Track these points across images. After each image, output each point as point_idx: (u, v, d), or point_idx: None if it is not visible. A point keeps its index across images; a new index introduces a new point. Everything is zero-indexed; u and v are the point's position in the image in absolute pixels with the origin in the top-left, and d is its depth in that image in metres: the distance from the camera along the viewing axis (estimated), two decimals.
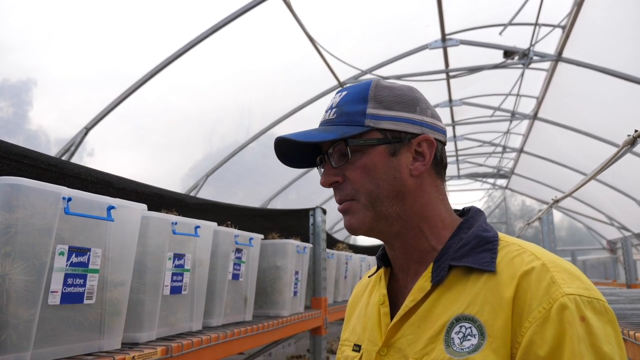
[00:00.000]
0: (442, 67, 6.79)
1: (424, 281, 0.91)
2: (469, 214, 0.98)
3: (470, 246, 0.90)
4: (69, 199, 1.13)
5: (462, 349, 0.81)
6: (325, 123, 0.97)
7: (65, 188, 1.13)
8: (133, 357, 1.27)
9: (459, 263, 0.89)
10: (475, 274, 0.87)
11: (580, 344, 0.74)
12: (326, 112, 0.97)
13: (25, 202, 1.05)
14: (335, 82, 6.44)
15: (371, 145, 0.92)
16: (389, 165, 0.92)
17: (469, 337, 0.82)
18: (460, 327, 0.83)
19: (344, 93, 0.97)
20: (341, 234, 11.14)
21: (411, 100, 0.96)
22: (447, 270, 0.89)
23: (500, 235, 0.93)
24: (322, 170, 1.00)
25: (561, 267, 0.83)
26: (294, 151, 1.01)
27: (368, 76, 6.60)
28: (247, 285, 2.11)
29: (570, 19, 5.23)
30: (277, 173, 8.72)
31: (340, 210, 0.96)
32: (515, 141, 10.51)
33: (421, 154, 0.94)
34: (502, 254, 0.88)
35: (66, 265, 1.14)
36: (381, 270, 1.05)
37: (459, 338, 0.82)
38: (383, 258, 1.05)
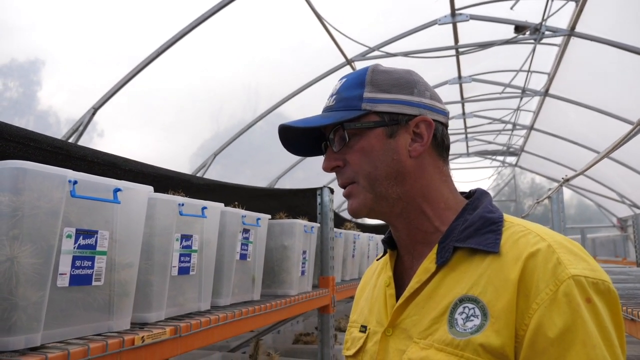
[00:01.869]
0: (451, 43, 6.67)
1: (428, 262, 0.91)
2: (475, 196, 0.98)
3: (475, 227, 0.90)
4: (75, 182, 1.13)
5: (465, 329, 0.82)
6: (326, 109, 1.00)
7: (71, 171, 1.13)
8: (142, 337, 1.29)
9: (463, 244, 0.89)
10: (480, 255, 0.87)
11: (591, 325, 0.75)
12: (328, 99, 1.01)
13: (32, 185, 1.05)
14: (342, 60, 6.35)
15: (368, 128, 0.94)
16: (386, 147, 0.93)
17: (472, 318, 0.82)
18: (464, 307, 0.84)
19: (344, 80, 1.00)
20: (346, 214, 11.16)
21: (408, 83, 0.96)
22: (452, 251, 0.90)
23: (506, 216, 0.93)
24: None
25: (567, 248, 0.83)
26: (298, 138, 1.05)
27: (376, 53, 6.50)
28: (254, 265, 2.12)
29: None
30: (284, 152, 8.60)
31: (344, 195, 0.98)
32: (525, 118, 10.38)
33: (419, 135, 0.94)
34: (506, 235, 0.88)
35: (74, 247, 1.15)
36: (388, 253, 1.06)
37: (462, 318, 0.83)
38: (389, 241, 1.05)
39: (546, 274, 0.79)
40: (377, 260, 1.16)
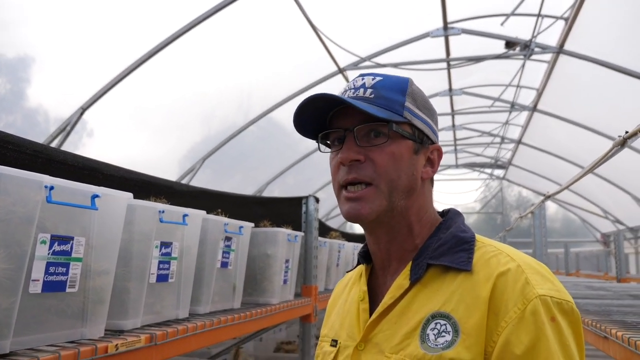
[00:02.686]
0: (443, 55, 6.74)
1: (402, 279, 0.93)
2: (448, 215, 1.00)
3: (448, 246, 0.92)
4: (52, 188, 1.13)
5: (436, 345, 0.83)
6: (360, 99, 0.94)
7: (47, 177, 1.12)
8: (116, 345, 1.28)
9: (436, 262, 0.91)
10: (452, 273, 0.89)
11: (554, 343, 0.79)
12: (354, 89, 0.95)
13: (7, 190, 1.05)
14: (335, 68, 6.39)
15: (403, 137, 0.94)
16: (411, 161, 0.94)
17: (443, 334, 0.84)
18: (436, 323, 0.86)
19: (378, 78, 0.97)
20: (334, 222, 11.17)
21: (432, 109, 1.01)
22: (425, 268, 0.91)
23: (477, 236, 0.96)
24: (331, 147, 0.99)
25: (534, 269, 0.87)
26: (310, 118, 0.98)
27: (367, 63, 6.54)
28: (236, 273, 2.12)
29: (573, 11, 5.18)
30: (274, 157, 8.71)
31: (351, 197, 0.92)
32: (514, 132, 10.49)
33: (431, 161, 0.99)
34: (478, 254, 0.90)
35: (48, 253, 1.14)
36: (362, 267, 1.06)
37: (433, 334, 0.85)
38: (365, 255, 1.06)
39: (515, 293, 0.82)
40: (348, 272, 1.17)
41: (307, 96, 0.95)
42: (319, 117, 0.98)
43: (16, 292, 1.05)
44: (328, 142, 1.01)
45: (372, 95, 0.93)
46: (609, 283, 5.22)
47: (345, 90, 0.97)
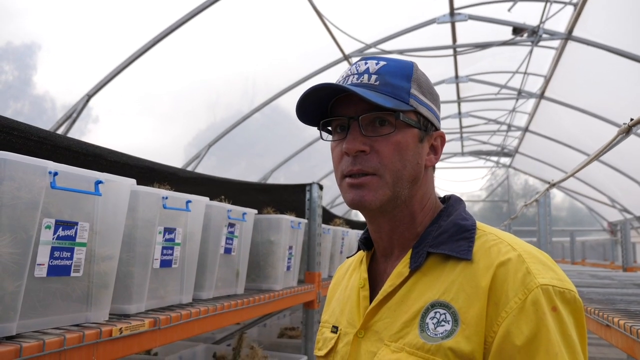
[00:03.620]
0: (449, 42, 6.67)
1: (402, 267, 0.92)
2: (449, 202, 0.99)
3: (449, 234, 0.92)
4: (56, 174, 1.14)
5: (435, 334, 0.83)
6: (364, 86, 0.90)
7: (52, 162, 1.13)
8: (120, 328, 1.30)
9: (436, 250, 0.91)
10: (452, 262, 0.89)
11: (555, 333, 0.77)
12: (358, 74, 0.92)
13: (12, 175, 1.06)
14: (340, 55, 6.36)
15: (409, 125, 0.91)
16: (416, 149, 0.93)
17: (442, 323, 0.84)
18: (435, 312, 0.85)
19: (382, 62, 0.93)
20: (339, 209, 11.19)
21: (436, 94, 0.98)
22: (425, 256, 0.91)
23: (478, 224, 0.95)
24: (333, 135, 0.97)
25: (536, 258, 0.85)
26: (315, 106, 0.96)
27: (373, 50, 6.49)
28: (239, 259, 2.13)
29: None
30: (279, 145, 8.71)
31: (355, 184, 0.91)
32: (520, 120, 10.41)
33: (435, 148, 0.97)
34: (479, 243, 0.89)
35: (53, 238, 1.16)
36: (362, 253, 1.07)
37: (433, 323, 0.85)
38: (365, 242, 1.06)
39: (516, 283, 0.81)
40: (348, 258, 1.17)
41: (311, 83, 0.93)
42: (321, 104, 0.96)
43: (22, 276, 1.07)
44: (329, 128, 0.98)
45: (377, 82, 0.90)
46: (614, 272, 5.20)
47: (348, 76, 0.94)
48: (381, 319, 0.92)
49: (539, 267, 0.83)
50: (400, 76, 0.92)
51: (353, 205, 0.92)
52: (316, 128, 0.99)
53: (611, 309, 1.95)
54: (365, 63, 0.93)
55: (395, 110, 0.89)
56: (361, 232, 4.32)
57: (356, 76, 0.92)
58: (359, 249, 1.09)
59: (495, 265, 0.83)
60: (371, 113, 0.90)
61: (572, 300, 0.81)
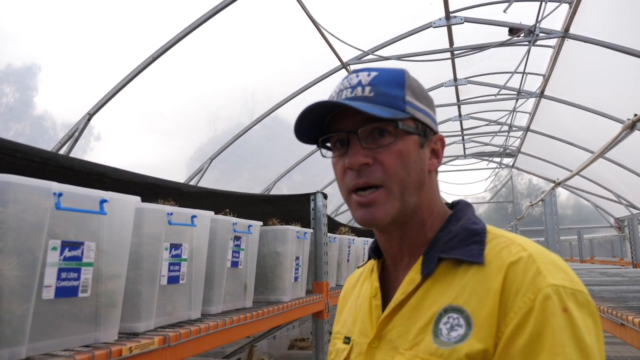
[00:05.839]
0: (446, 45, 6.69)
1: (414, 274, 0.91)
2: (457, 207, 0.99)
3: (459, 238, 0.91)
4: (60, 194, 1.13)
5: (449, 339, 0.82)
6: (359, 99, 0.90)
7: (56, 183, 1.13)
8: (130, 347, 1.29)
9: (448, 255, 0.90)
10: (464, 266, 0.88)
11: (562, 333, 0.75)
12: (351, 88, 0.91)
13: (16, 198, 1.06)
14: (338, 63, 6.37)
15: (408, 133, 0.91)
16: (418, 156, 0.92)
17: (456, 328, 0.83)
18: (448, 317, 0.84)
19: (373, 73, 0.92)
20: (343, 217, 11.15)
21: (429, 98, 0.98)
22: (437, 262, 0.90)
23: (489, 227, 0.94)
24: (333, 151, 0.96)
25: (547, 258, 0.84)
26: (311, 124, 0.95)
27: (370, 57, 6.52)
28: (246, 272, 2.12)
29: None
30: (281, 155, 8.71)
31: (363, 203, 0.89)
32: (521, 119, 10.40)
33: (436, 152, 0.97)
34: (490, 246, 0.89)
35: (59, 259, 1.15)
36: (372, 262, 1.06)
37: (446, 328, 0.84)
38: (375, 250, 1.05)
39: (525, 283, 0.80)
40: (359, 267, 1.16)
41: (310, 92, 0.93)
42: (318, 122, 0.95)
43: (30, 299, 1.07)
44: (328, 144, 0.97)
45: (372, 94, 0.89)
46: (624, 269, 5.16)
47: (341, 90, 0.93)
48: (395, 328, 0.91)
49: (550, 267, 0.82)
50: (393, 85, 0.91)
51: (363, 223, 0.91)
52: (315, 146, 0.98)
53: (624, 307, 1.92)
54: (357, 76, 0.93)
55: (393, 120, 0.88)
56: (367, 239, 4.32)
57: (349, 90, 0.92)
58: (369, 258, 1.08)
59: (507, 266, 0.83)
60: (370, 125, 0.89)
61: (586, 303, 0.80)
